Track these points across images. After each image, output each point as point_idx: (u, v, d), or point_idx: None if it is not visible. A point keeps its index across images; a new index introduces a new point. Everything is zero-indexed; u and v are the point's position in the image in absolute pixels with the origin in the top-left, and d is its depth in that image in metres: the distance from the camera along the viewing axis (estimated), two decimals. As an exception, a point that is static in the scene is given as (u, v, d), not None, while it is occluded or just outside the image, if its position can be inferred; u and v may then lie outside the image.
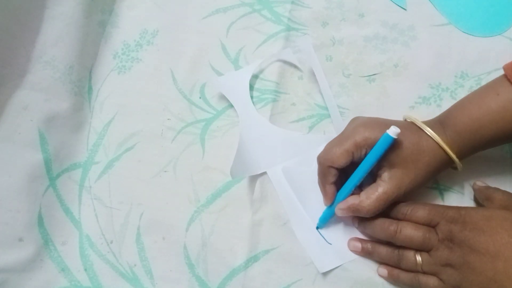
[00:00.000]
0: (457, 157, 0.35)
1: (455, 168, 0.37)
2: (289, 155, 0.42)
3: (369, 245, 0.38)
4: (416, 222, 0.36)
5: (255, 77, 0.47)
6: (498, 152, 0.42)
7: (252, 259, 0.40)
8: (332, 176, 0.37)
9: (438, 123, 0.37)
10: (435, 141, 0.35)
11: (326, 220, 0.39)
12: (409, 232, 0.35)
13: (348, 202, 0.37)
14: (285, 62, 0.47)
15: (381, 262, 0.38)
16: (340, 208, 0.37)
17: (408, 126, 0.37)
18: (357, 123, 0.38)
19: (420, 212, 0.36)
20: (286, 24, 0.49)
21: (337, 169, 0.37)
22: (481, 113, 0.35)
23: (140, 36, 0.50)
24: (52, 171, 0.42)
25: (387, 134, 0.34)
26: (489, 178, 0.40)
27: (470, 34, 0.47)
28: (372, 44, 0.47)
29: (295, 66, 0.47)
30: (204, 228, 0.41)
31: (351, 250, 0.39)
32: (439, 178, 0.41)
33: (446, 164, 0.36)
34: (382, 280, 0.38)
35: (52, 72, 0.44)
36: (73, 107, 0.45)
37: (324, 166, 0.37)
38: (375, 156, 0.35)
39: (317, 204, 0.40)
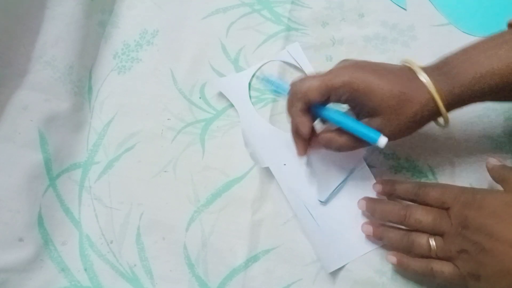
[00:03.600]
0: (449, 107, 0.33)
1: (441, 125, 0.36)
2: (289, 156, 0.42)
3: (380, 229, 0.37)
4: (428, 204, 0.35)
5: (255, 77, 0.47)
6: (498, 152, 0.42)
7: (252, 259, 0.40)
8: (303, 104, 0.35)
9: (435, 70, 0.34)
10: (427, 88, 0.33)
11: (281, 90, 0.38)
12: (419, 216, 0.34)
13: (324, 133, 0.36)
14: (285, 62, 0.47)
15: (391, 248, 0.37)
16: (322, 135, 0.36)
17: (401, 72, 0.34)
18: (347, 63, 0.36)
19: (432, 193, 0.35)
20: (286, 24, 0.49)
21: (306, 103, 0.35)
22: (488, 62, 0.32)
23: (140, 36, 0.50)
24: (52, 171, 0.42)
25: (376, 139, 0.33)
26: (489, 179, 0.40)
27: (470, 34, 0.47)
28: (372, 44, 0.47)
29: (295, 67, 0.47)
30: (204, 228, 0.41)
31: (363, 231, 0.38)
32: (439, 179, 0.41)
33: (433, 116, 0.34)
34: (382, 280, 0.38)
35: (52, 72, 0.44)
36: (73, 107, 0.45)
37: (295, 96, 0.35)
38: (354, 131, 0.34)
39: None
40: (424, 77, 0.33)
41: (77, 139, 0.45)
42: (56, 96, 0.44)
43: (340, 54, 0.47)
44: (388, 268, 0.38)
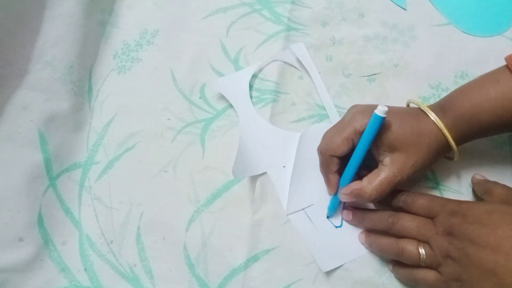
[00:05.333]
0: (455, 142, 0.36)
1: (450, 158, 0.38)
2: (289, 155, 0.42)
3: (372, 236, 0.38)
4: (415, 211, 0.36)
5: (255, 77, 0.47)
6: (498, 152, 0.42)
7: (252, 259, 0.40)
8: (335, 165, 0.38)
9: (437, 108, 0.37)
10: (436, 124, 0.36)
11: (334, 209, 0.40)
12: (405, 222, 0.36)
13: (351, 187, 0.37)
14: (285, 62, 0.47)
15: (381, 255, 0.38)
16: (343, 193, 0.37)
17: (407, 111, 0.38)
18: (355, 110, 0.38)
19: (420, 201, 0.36)
20: (286, 24, 0.49)
21: (338, 157, 0.37)
22: (480, 99, 0.35)
23: (140, 36, 0.50)
24: (52, 171, 0.42)
25: (376, 114, 0.34)
26: (489, 178, 0.40)
27: (470, 34, 0.47)
28: (372, 44, 0.47)
29: (295, 66, 0.47)
30: (204, 228, 0.41)
31: (358, 239, 0.39)
32: (439, 178, 0.41)
33: (444, 149, 0.36)
34: (382, 280, 0.38)
35: (52, 72, 0.44)
36: (73, 107, 0.45)
37: (326, 155, 0.38)
38: (368, 137, 0.35)
39: (316, 202, 0.40)
40: (431, 114, 0.36)
41: (77, 139, 0.45)
42: (56, 96, 0.44)
43: (340, 54, 0.47)
44: (388, 268, 0.38)
